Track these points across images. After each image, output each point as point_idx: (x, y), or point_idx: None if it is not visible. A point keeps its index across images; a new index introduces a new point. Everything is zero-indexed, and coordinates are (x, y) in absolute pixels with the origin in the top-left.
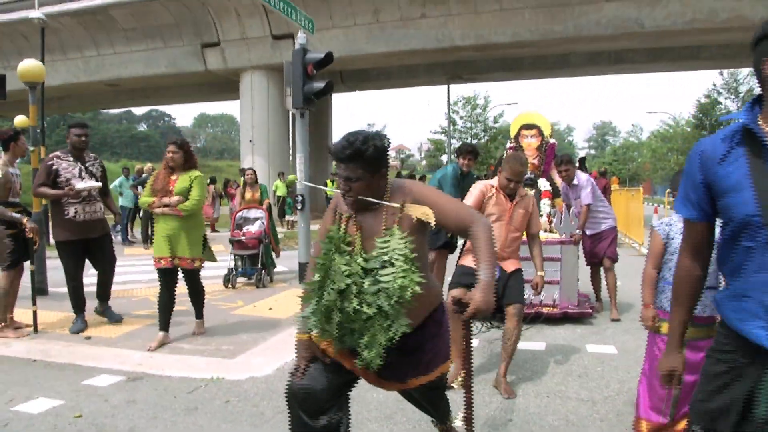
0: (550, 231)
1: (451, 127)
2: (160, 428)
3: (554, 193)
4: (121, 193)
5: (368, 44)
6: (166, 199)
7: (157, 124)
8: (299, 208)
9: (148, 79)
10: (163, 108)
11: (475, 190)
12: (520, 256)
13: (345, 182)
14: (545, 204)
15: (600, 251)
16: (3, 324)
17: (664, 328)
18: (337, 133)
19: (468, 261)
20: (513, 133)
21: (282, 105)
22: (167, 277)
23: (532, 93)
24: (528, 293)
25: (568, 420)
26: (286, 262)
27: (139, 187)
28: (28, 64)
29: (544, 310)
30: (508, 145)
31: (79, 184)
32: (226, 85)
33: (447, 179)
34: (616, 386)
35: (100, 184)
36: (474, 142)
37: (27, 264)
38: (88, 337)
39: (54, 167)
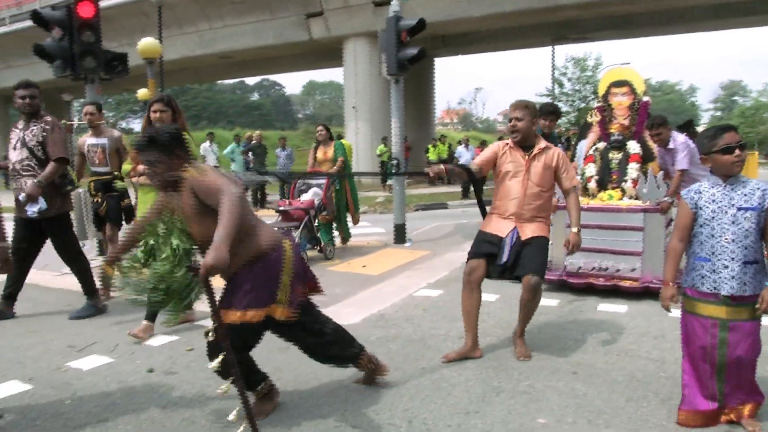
0: (636, 197)
1: (558, 90)
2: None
3: (647, 157)
4: (233, 159)
5: (470, 6)
6: (141, 167)
7: (269, 92)
8: (394, 171)
9: (257, 50)
10: (273, 77)
11: (488, 148)
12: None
13: (148, 167)
14: (632, 168)
15: None
16: None
17: (700, 308)
18: (440, 98)
19: (489, 227)
20: (602, 91)
21: None
22: None
23: (648, 51)
24: (605, 263)
25: (633, 376)
26: (383, 224)
27: (250, 153)
28: (146, 42)
29: (624, 283)
30: (596, 104)
31: None
32: (330, 53)
33: None
34: None
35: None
36: (582, 105)
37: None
38: None
39: (10, 136)
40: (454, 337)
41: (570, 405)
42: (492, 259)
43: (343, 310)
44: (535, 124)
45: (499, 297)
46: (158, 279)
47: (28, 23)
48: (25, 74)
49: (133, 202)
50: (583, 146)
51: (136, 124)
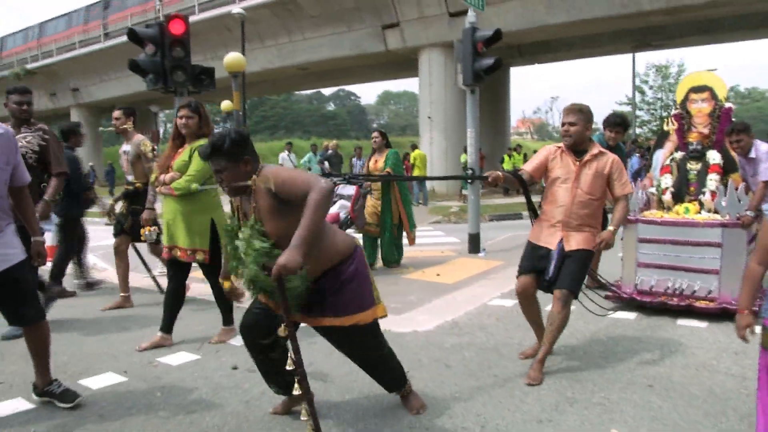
0: (713, 211)
1: (639, 98)
2: (333, 363)
3: (730, 168)
4: (310, 168)
5: (547, 15)
6: (163, 176)
7: (344, 103)
8: (469, 181)
9: (334, 62)
10: (349, 88)
11: (539, 153)
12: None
13: (216, 174)
14: (711, 179)
15: None
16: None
17: None
18: (515, 107)
19: (538, 237)
20: (680, 97)
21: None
22: (171, 270)
23: (735, 55)
24: (678, 282)
25: (711, 391)
26: (457, 233)
27: (326, 162)
28: (231, 57)
29: (700, 303)
30: (673, 111)
31: None
32: (405, 64)
33: None
34: None
35: None
36: (663, 114)
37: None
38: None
39: None
40: (527, 347)
41: (645, 417)
42: (541, 272)
43: (417, 317)
44: (589, 129)
45: (574, 308)
46: (249, 282)
47: (118, 40)
48: (117, 88)
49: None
50: (660, 156)
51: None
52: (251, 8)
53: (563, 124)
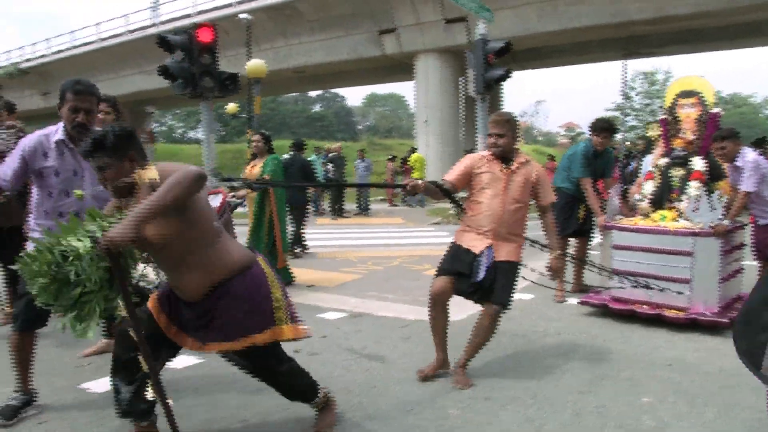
0: (685, 219)
1: (627, 104)
2: (384, 350)
3: (716, 175)
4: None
5: (540, 23)
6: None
7: (330, 104)
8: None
9: (329, 65)
10: (335, 89)
11: (462, 161)
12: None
13: (98, 173)
14: (692, 186)
15: None
16: None
17: None
18: (509, 110)
19: (463, 239)
20: (668, 102)
21: (454, 86)
22: None
23: (721, 64)
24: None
25: (722, 369)
26: None
27: (329, 165)
28: (254, 63)
29: (670, 313)
30: (660, 117)
31: None
32: (399, 68)
33: (576, 158)
34: None
35: None
36: (651, 119)
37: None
38: (311, 286)
39: None
40: (553, 334)
41: (669, 389)
42: (460, 275)
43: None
44: (516, 138)
45: (582, 307)
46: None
47: (112, 41)
48: (110, 88)
49: None
50: (648, 161)
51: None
52: (250, 11)
53: (491, 135)
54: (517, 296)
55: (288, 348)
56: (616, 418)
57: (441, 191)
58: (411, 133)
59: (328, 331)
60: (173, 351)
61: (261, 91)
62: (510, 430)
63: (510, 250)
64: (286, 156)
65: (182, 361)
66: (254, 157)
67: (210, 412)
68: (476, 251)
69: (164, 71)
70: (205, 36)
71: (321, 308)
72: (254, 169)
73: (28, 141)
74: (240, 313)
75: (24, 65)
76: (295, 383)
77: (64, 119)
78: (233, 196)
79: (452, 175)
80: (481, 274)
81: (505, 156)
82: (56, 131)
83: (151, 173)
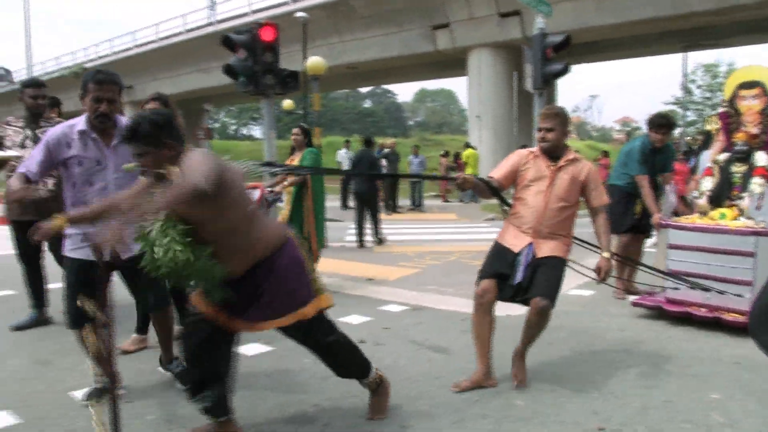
0: (747, 217)
1: (687, 97)
2: (445, 341)
3: None
4: (340, 164)
5: (597, 16)
6: None
7: (381, 100)
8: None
9: (383, 61)
10: (385, 85)
11: (509, 158)
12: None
13: (137, 159)
14: (755, 183)
15: None
16: None
17: None
18: (562, 104)
19: (504, 238)
20: (728, 94)
21: (508, 81)
22: None
23: None
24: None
25: None
26: None
27: (383, 160)
28: (314, 60)
29: (728, 316)
30: (720, 109)
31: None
32: (452, 63)
33: (633, 154)
34: None
35: (20, 154)
36: (712, 113)
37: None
38: (371, 279)
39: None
40: (614, 330)
41: (737, 386)
42: (504, 277)
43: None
44: (566, 133)
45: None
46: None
47: (171, 41)
48: (169, 86)
49: None
50: (706, 158)
51: (256, 131)
52: (305, 9)
53: (540, 129)
54: (576, 292)
55: (353, 338)
56: (683, 412)
57: (489, 189)
58: (462, 128)
59: (391, 323)
60: (229, 339)
61: (315, 88)
62: (578, 422)
63: (553, 246)
64: (343, 151)
65: (253, 348)
66: (293, 150)
67: (283, 396)
68: (516, 250)
69: (228, 70)
70: (267, 35)
71: (382, 301)
72: (293, 163)
73: (53, 132)
74: (286, 288)
75: (89, 65)
76: (342, 356)
77: (87, 109)
78: (270, 191)
79: (499, 172)
80: (519, 276)
81: (553, 152)
82: (80, 122)
83: (176, 170)
